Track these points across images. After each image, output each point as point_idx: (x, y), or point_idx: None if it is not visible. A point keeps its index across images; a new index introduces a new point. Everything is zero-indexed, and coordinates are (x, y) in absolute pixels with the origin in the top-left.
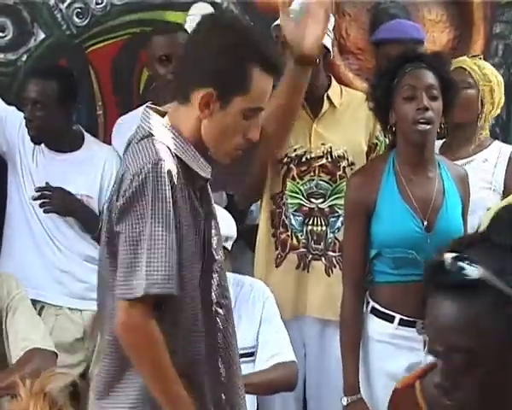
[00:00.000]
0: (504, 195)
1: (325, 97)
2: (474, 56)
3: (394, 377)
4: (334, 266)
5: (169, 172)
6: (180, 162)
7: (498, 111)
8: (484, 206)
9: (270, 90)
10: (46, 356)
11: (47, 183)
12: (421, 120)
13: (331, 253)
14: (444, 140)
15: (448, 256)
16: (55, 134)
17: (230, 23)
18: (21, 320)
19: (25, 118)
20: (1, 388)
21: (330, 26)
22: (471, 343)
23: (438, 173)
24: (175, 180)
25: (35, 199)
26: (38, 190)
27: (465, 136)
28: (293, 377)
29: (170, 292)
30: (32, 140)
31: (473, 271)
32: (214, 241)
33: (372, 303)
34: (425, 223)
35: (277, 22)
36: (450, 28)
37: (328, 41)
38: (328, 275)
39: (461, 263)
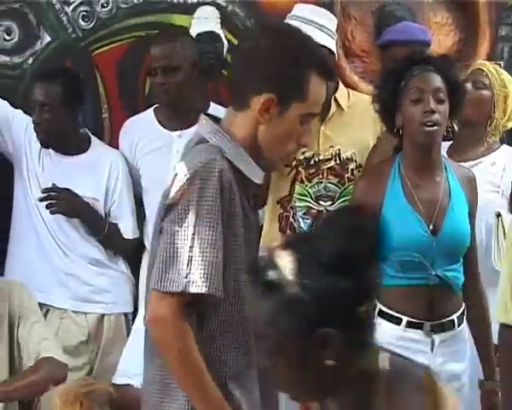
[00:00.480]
0: (511, 197)
1: (332, 100)
2: (496, 63)
3: None
4: None
5: (221, 171)
6: (233, 168)
7: (510, 125)
8: (490, 209)
9: (325, 95)
10: (57, 365)
11: (53, 184)
12: (428, 123)
13: None
14: (451, 142)
15: (263, 257)
16: (63, 136)
17: (289, 30)
18: (34, 332)
19: (33, 122)
20: (7, 391)
21: (333, 27)
22: (272, 334)
23: (444, 176)
24: (225, 182)
25: (41, 200)
26: (45, 191)
27: (474, 137)
28: None
29: (208, 292)
30: (42, 143)
31: (272, 273)
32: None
33: (379, 306)
34: (431, 226)
35: None
36: (455, 31)
37: (331, 43)
38: None
39: (267, 264)
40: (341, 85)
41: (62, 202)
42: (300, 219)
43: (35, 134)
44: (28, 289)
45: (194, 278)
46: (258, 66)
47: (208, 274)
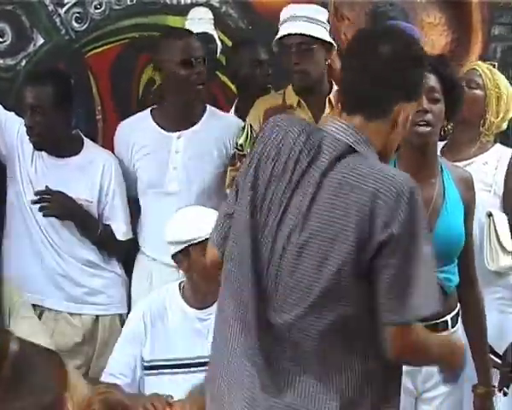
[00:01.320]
0: (504, 196)
1: (327, 101)
2: (491, 63)
3: None
4: None
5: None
6: None
7: (505, 126)
8: (482, 208)
9: None
10: None
11: (46, 186)
12: (421, 123)
13: None
14: (445, 142)
15: None
16: (55, 139)
17: (405, 33)
18: (24, 325)
19: (25, 125)
20: None
21: (324, 17)
22: None
23: (440, 177)
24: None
25: (34, 203)
26: (38, 193)
27: (467, 136)
28: None
29: (435, 312)
30: (35, 146)
31: None
32: None
33: None
34: None
35: (279, 36)
36: (448, 31)
37: (325, 34)
38: None
39: None
40: (335, 86)
41: (55, 204)
42: None
43: (27, 137)
44: (16, 285)
45: (431, 300)
46: (401, 75)
47: (435, 294)
